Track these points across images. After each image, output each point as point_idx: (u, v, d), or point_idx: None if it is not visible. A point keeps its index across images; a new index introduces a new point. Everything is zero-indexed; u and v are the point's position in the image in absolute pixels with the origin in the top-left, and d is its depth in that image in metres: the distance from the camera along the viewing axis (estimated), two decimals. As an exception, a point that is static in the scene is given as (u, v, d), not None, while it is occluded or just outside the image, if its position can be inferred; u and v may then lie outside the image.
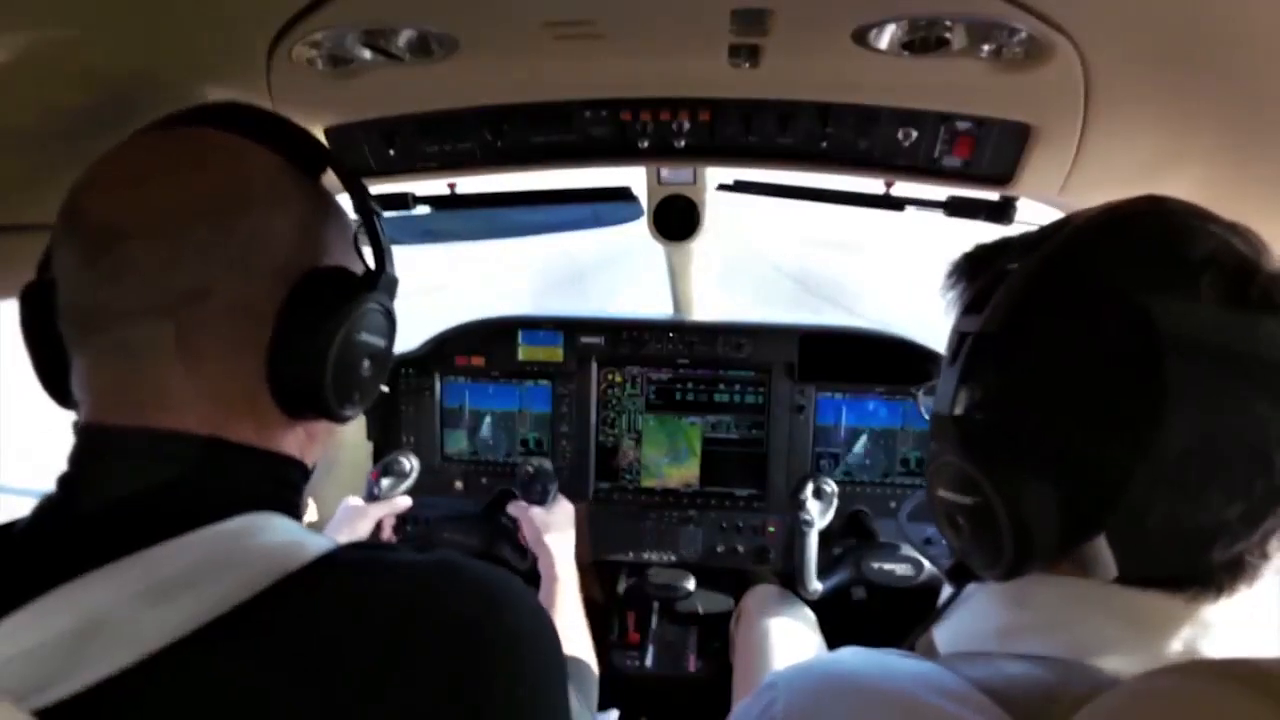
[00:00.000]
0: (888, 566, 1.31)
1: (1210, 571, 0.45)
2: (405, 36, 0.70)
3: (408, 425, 1.64)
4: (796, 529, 1.33)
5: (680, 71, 0.82)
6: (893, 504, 1.52)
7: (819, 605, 1.36)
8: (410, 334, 1.62)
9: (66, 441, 0.49)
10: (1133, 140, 0.77)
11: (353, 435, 1.60)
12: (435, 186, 1.11)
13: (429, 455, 1.63)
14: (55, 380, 0.53)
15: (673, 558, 1.55)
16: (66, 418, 0.52)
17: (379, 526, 1.38)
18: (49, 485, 0.49)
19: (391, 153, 0.96)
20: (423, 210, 1.13)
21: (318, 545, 0.47)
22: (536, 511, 1.29)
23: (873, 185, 1.01)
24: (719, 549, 1.54)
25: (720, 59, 0.73)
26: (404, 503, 1.42)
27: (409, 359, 1.61)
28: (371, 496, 1.37)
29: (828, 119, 0.88)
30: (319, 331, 0.51)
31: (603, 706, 1.14)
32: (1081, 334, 0.45)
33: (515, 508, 1.33)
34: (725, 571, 1.54)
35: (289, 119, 0.56)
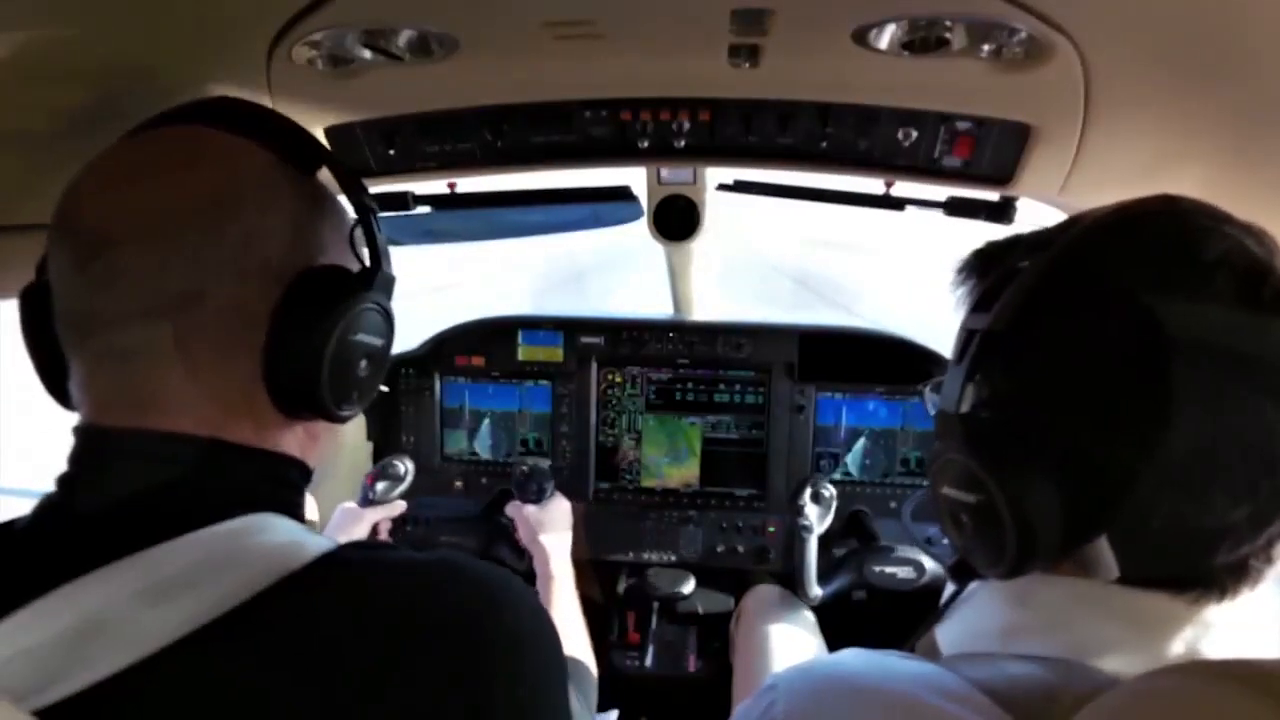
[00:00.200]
0: (889, 570, 1.30)
1: (1214, 574, 0.45)
2: (405, 36, 0.70)
3: (408, 425, 1.64)
4: (796, 534, 1.32)
5: (680, 71, 0.82)
6: (893, 504, 1.52)
7: (820, 606, 1.36)
8: (420, 332, 1.62)
9: (64, 441, 0.49)
10: (1133, 140, 0.77)
11: (352, 436, 1.60)
12: (435, 186, 1.11)
13: (429, 455, 1.63)
14: (56, 381, 0.53)
15: (673, 558, 1.54)
16: (64, 418, 0.52)
17: (374, 531, 1.37)
18: (47, 486, 0.49)
19: (391, 153, 0.96)
20: (423, 210, 1.13)
21: (318, 545, 0.47)
22: (531, 510, 1.29)
23: (873, 185, 1.01)
24: (719, 549, 1.54)
25: (720, 59, 0.73)
26: (399, 506, 1.42)
27: (409, 359, 1.61)
28: (366, 501, 1.37)
29: (828, 119, 0.88)
30: (314, 331, 0.50)
31: (603, 706, 1.14)
32: (1089, 334, 0.44)
33: (511, 508, 1.33)
34: (725, 571, 1.54)
35: (282, 114, 0.56)
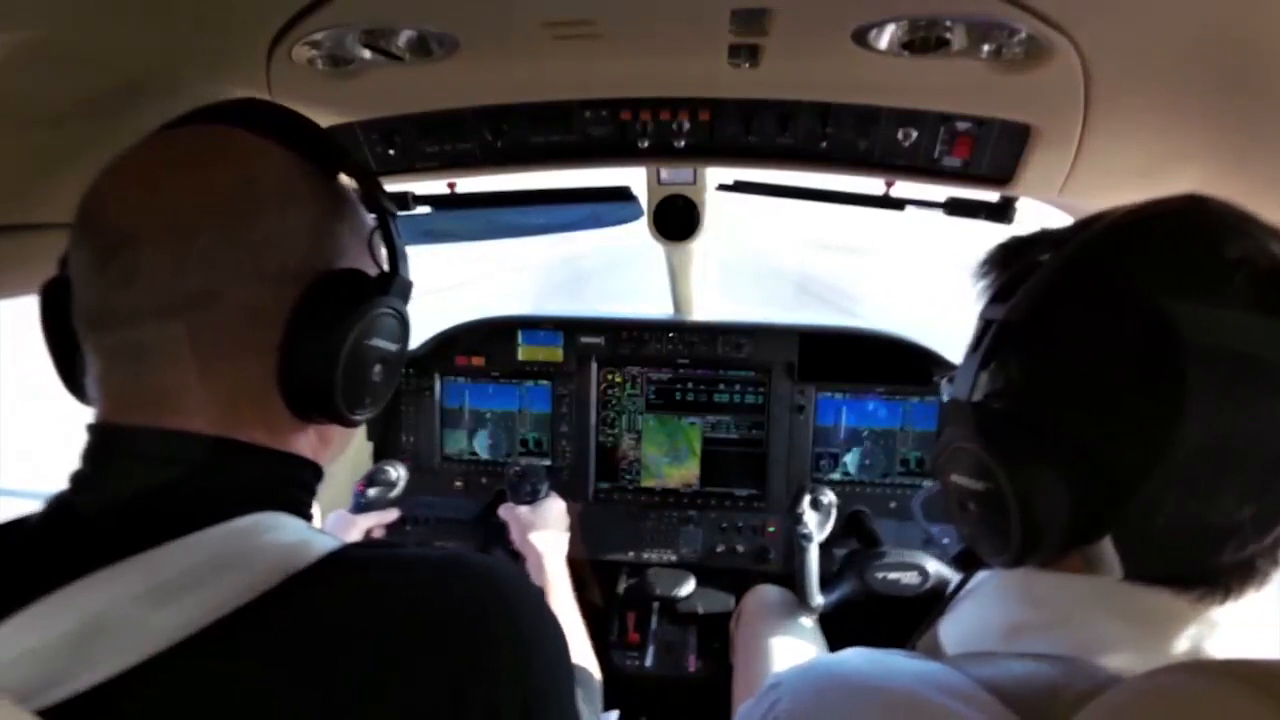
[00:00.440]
0: (893, 575, 1.27)
1: (1219, 573, 0.45)
2: (405, 36, 0.70)
3: (408, 425, 1.64)
4: (795, 542, 1.30)
5: (680, 71, 0.82)
6: (893, 504, 1.52)
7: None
8: (431, 331, 1.62)
9: (60, 442, 0.49)
10: (1133, 140, 0.77)
11: (353, 436, 1.60)
12: (435, 186, 1.11)
13: (429, 456, 1.63)
14: (74, 377, 0.53)
15: (673, 558, 1.54)
16: (58, 419, 0.52)
17: (367, 536, 1.36)
18: (45, 487, 0.49)
19: (391, 153, 0.96)
20: (423, 210, 1.14)
21: (324, 544, 0.47)
22: (522, 511, 1.28)
23: (873, 185, 1.01)
24: (719, 549, 1.54)
25: (720, 59, 0.73)
26: (391, 513, 1.41)
27: (409, 359, 1.61)
28: (358, 507, 1.37)
29: (828, 119, 0.89)
30: (329, 335, 0.50)
31: (603, 706, 1.14)
32: (1102, 330, 0.45)
33: (504, 509, 1.32)
34: (725, 571, 1.54)
35: (305, 117, 0.55)
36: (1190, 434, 0.41)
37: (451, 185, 1.11)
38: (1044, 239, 0.54)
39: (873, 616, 1.29)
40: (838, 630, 1.33)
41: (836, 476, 1.55)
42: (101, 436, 0.48)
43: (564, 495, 1.39)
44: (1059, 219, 0.98)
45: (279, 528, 0.47)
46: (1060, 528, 0.44)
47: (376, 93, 0.83)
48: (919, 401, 1.52)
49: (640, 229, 1.43)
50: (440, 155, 0.98)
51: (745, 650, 1.31)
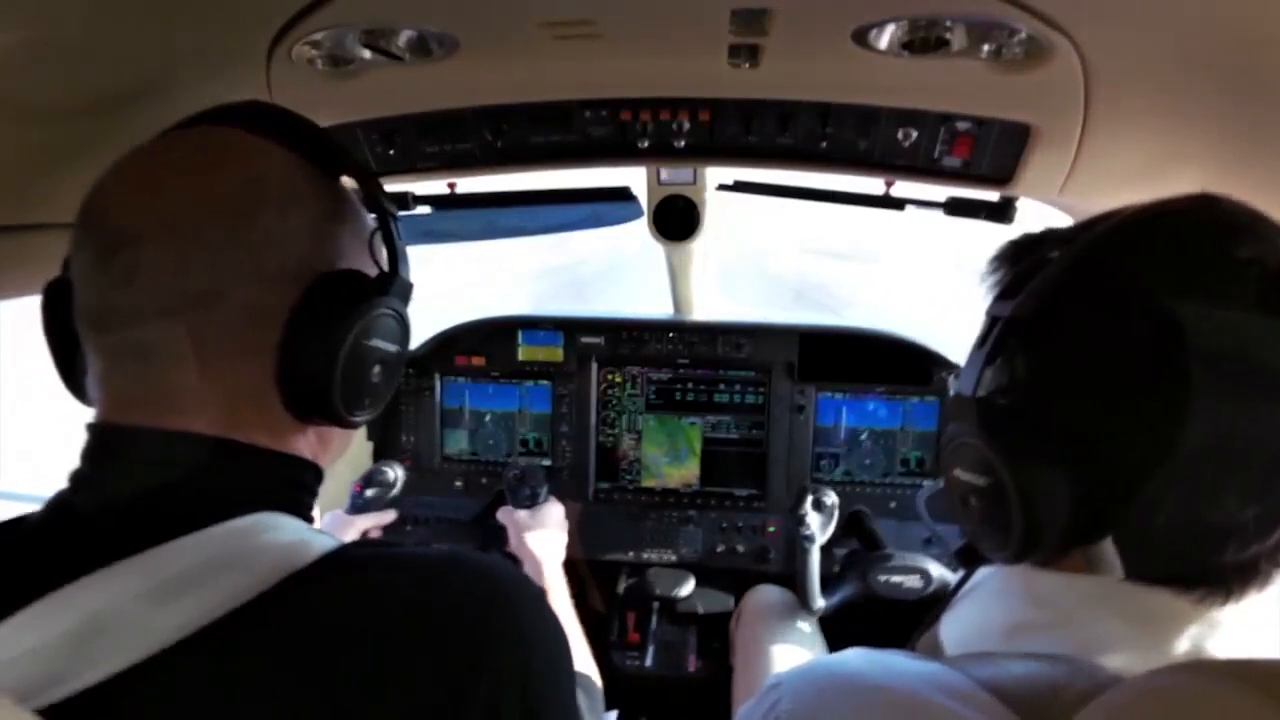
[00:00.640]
0: (895, 579, 1.27)
1: (1220, 573, 0.45)
2: (405, 36, 0.70)
3: (407, 425, 1.64)
4: (797, 543, 1.30)
5: (680, 71, 0.82)
6: (893, 504, 1.52)
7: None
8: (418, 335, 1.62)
9: (58, 443, 0.49)
10: (1133, 140, 0.77)
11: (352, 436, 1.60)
12: (435, 186, 1.11)
13: (429, 456, 1.63)
14: (75, 377, 0.53)
15: (673, 558, 1.54)
16: (57, 420, 0.52)
17: (364, 537, 1.36)
18: (41, 489, 0.49)
19: (391, 153, 0.96)
20: (423, 210, 1.14)
21: (323, 544, 0.47)
22: (520, 515, 1.27)
23: (873, 185, 1.01)
24: (719, 549, 1.54)
25: (720, 59, 0.73)
26: (388, 515, 1.41)
27: (409, 359, 1.61)
28: (355, 508, 1.37)
29: (828, 119, 0.89)
30: (329, 336, 0.50)
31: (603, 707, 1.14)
32: (1108, 328, 0.45)
33: (502, 513, 1.31)
34: (725, 571, 1.54)
35: (307, 119, 0.56)
36: (1194, 434, 0.41)
37: (451, 185, 1.10)
38: (1053, 236, 0.54)
39: (873, 618, 1.29)
40: (838, 631, 1.33)
41: (837, 476, 1.55)
42: (101, 436, 0.48)
43: (564, 495, 1.38)
44: (1059, 219, 0.98)
45: (278, 528, 0.47)
46: (1062, 525, 0.44)
47: (376, 93, 0.83)
48: (919, 401, 1.52)
49: (641, 233, 1.43)
50: (440, 155, 0.98)
51: (745, 650, 1.31)
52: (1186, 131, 0.71)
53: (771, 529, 1.54)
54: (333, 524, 1.33)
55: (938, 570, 1.27)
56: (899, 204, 1.02)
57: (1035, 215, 0.99)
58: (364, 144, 0.94)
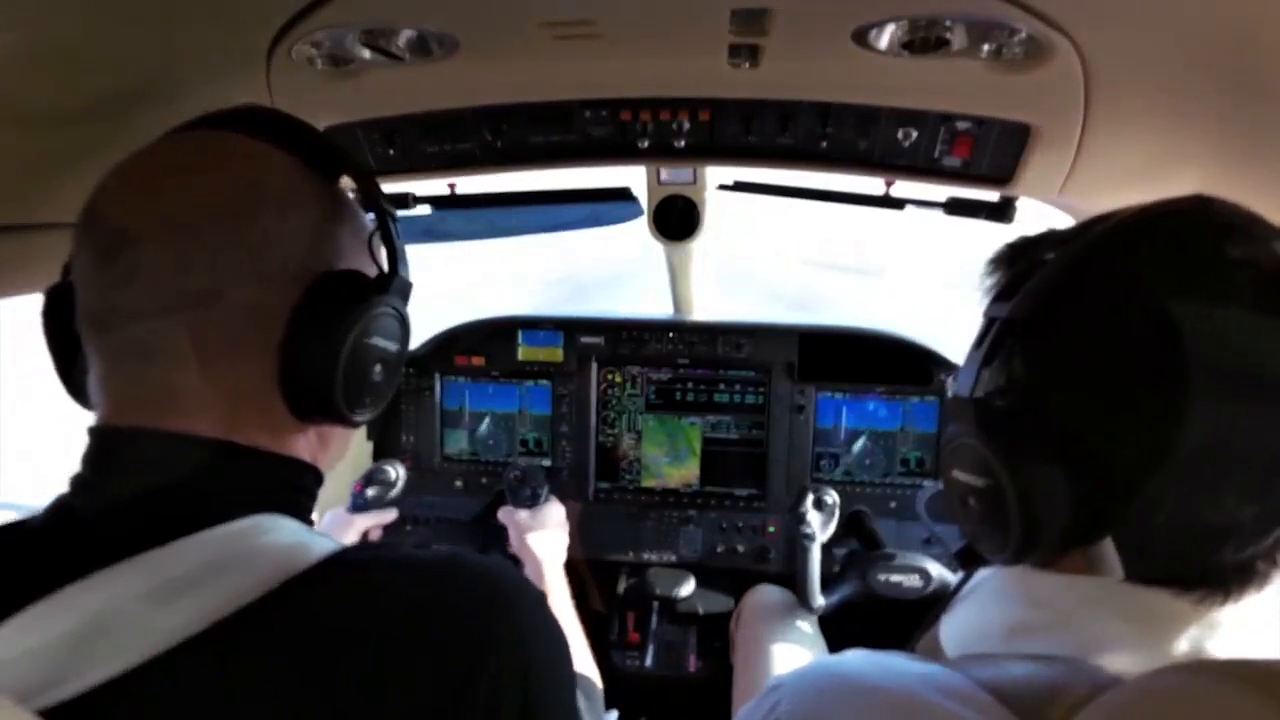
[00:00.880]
0: (895, 579, 1.27)
1: (1219, 573, 0.45)
2: (405, 36, 0.70)
3: (408, 425, 1.64)
4: (797, 542, 1.30)
5: (680, 71, 0.82)
6: (893, 504, 1.52)
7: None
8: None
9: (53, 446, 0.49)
10: (1133, 140, 0.77)
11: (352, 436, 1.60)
12: (435, 186, 1.11)
13: (429, 455, 1.63)
14: (75, 380, 0.53)
15: (673, 558, 1.55)
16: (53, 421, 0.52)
17: (364, 537, 1.36)
18: (37, 496, 0.49)
19: (391, 153, 0.96)
20: (423, 210, 1.13)
21: (323, 546, 0.47)
22: (521, 515, 1.27)
23: (873, 185, 1.01)
24: (719, 549, 1.54)
25: (720, 59, 0.73)
26: (389, 514, 1.41)
27: (409, 358, 1.61)
28: (356, 507, 1.36)
29: (828, 119, 0.89)
30: (330, 335, 0.51)
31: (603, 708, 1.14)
32: (1105, 328, 0.45)
33: (503, 513, 1.31)
34: (725, 571, 1.54)
35: (305, 122, 0.56)
36: (1191, 433, 0.41)
37: (451, 185, 1.10)
38: (1051, 238, 0.54)
39: (873, 618, 1.29)
40: (838, 631, 1.33)
41: (836, 476, 1.55)
42: (102, 439, 0.49)
43: (564, 495, 1.38)
44: (1059, 219, 0.98)
45: (278, 530, 0.47)
46: (1060, 525, 0.44)
47: (376, 93, 0.83)
48: (919, 401, 1.52)
49: (642, 236, 1.43)
50: (440, 155, 0.98)
51: (745, 650, 1.31)
52: (1186, 131, 0.71)
53: (771, 529, 1.54)
54: (333, 522, 1.33)
55: (937, 570, 1.27)
56: (899, 204, 1.02)
57: (1036, 215, 1.00)
58: (364, 144, 0.94)
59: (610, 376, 1.60)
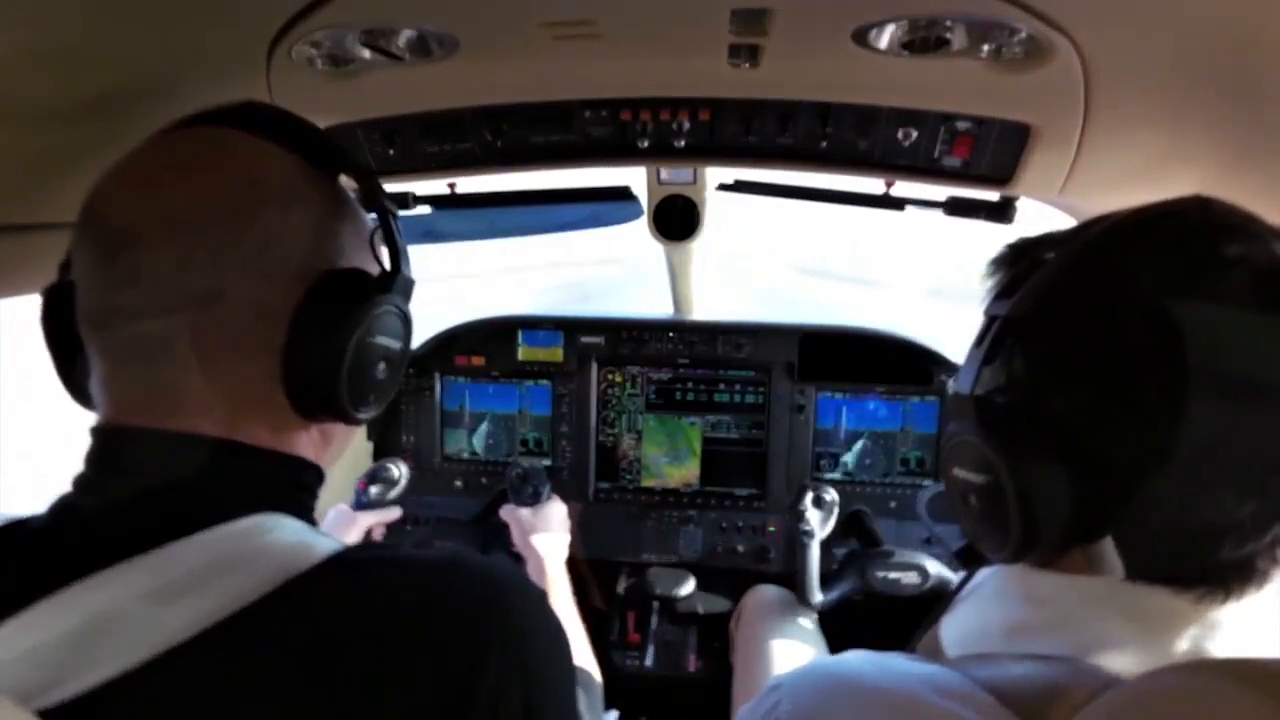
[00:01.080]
0: (893, 575, 1.28)
1: (1218, 571, 0.45)
2: (405, 36, 0.70)
3: (408, 425, 1.64)
4: (797, 539, 1.31)
5: (680, 71, 0.82)
6: (893, 504, 1.52)
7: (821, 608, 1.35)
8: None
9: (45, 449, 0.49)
10: (1133, 140, 0.77)
11: (353, 436, 1.60)
12: (435, 186, 1.11)
13: (429, 455, 1.63)
14: (76, 381, 0.53)
15: (673, 558, 1.55)
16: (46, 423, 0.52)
17: (368, 535, 1.36)
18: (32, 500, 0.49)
19: (392, 153, 0.96)
20: (423, 210, 1.13)
21: (326, 546, 0.47)
22: (524, 513, 1.27)
23: (873, 185, 1.01)
24: (719, 549, 1.54)
25: (720, 59, 0.73)
26: (393, 512, 1.41)
27: (409, 358, 1.60)
28: (359, 504, 1.37)
29: (828, 119, 0.89)
30: (334, 333, 0.51)
31: (603, 708, 1.14)
32: (1103, 327, 0.45)
33: (505, 511, 1.32)
34: (725, 571, 1.54)
35: (305, 119, 0.56)
36: (1190, 431, 0.41)
37: (452, 185, 1.10)
38: (1051, 239, 0.55)
39: (872, 616, 1.29)
40: (837, 630, 1.34)
41: (836, 476, 1.55)
42: (105, 438, 0.48)
43: (564, 495, 1.39)
44: (1059, 219, 0.98)
45: (280, 529, 0.47)
46: (1060, 523, 0.45)
47: (376, 93, 0.83)
48: (919, 401, 1.52)
49: (645, 240, 1.43)
50: (440, 155, 0.98)
51: (745, 650, 1.31)
52: (1186, 132, 0.71)
53: (771, 529, 1.54)
54: (337, 520, 1.33)
55: (935, 567, 1.28)
56: (899, 204, 1.02)
57: (1036, 215, 0.99)
58: (364, 144, 0.94)
59: (610, 376, 1.60)
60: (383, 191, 0.58)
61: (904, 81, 0.78)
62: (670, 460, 1.60)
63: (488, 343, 1.62)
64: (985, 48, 0.67)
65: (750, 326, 1.57)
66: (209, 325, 0.48)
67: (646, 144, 0.95)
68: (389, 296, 0.54)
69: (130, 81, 0.65)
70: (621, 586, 1.57)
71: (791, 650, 1.25)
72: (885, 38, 0.67)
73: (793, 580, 1.33)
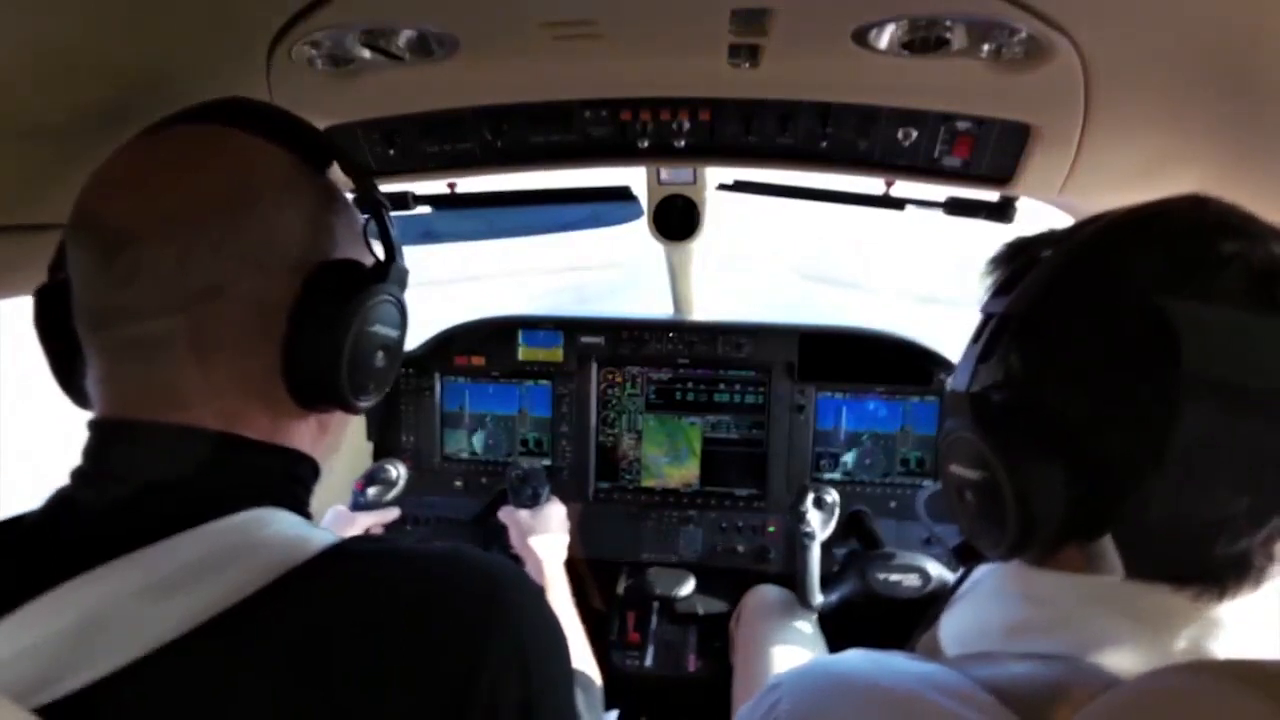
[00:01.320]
0: (894, 578, 1.27)
1: (1214, 568, 0.45)
2: (405, 36, 0.70)
3: (407, 425, 1.64)
4: (797, 540, 1.30)
5: (680, 71, 0.82)
6: (893, 504, 1.52)
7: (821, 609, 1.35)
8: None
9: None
10: (1133, 140, 0.77)
11: (352, 436, 1.60)
12: (435, 186, 1.11)
13: (429, 455, 1.63)
14: (71, 379, 0.53)
15: (673, 558, 1.54)
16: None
17: (366, 535, 1.37)
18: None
19: (391, 153, 0.96)
20: (423, 210, 1.13)
21: (322, 539, 0.47)
22: (522, 515, 1.27)
23: (873, 185, 1.01)
24: (719, 549, 1.54)
25: (720, 59, 0.73)
26: (391, 512, 1.41)
27: (409, 358, 1.61)
28: (357, 505, 1.37)
29: (828, 119, 0.89)
30: (334, 323, 0.51)
31: (603, 708, 1.13)
32: (1099, 324, 0.45)
33: (504, 512, 1.31)
34: (725, 571, 1.54)
35: (293, 114, 0.56)
36: (1184, 427, 0.41)
37: (451, 185, 1.10)
38: (1048, 237, 0.55)
39: (872, 617, 1.29)
40: (837, 630, 1.34)
41: (837, 476, 1.55)
42: (103, 432, 0.49)
43: (564, 495, 1.38)
44: (1060, 219, 0.98)
45: (277, 523, 0.47)
46: (1055, 519, 0.45)
47: (376, 93, 0.83)
48: (919, 401, 1.52)
49: (647, 244, 1.43)
50: (440, 155, 0.98)
51: (745, 650, 1.31)
52: (1186, 131, 0.71)
53: (771, 529, 1.54)
54: (335, 521, 1.33)
55: (936, 569, 1.27)
56: (899, 204, 1.02)
57: (1036, 215, 0.99)
58: (364, 144, 0.94)
59: (610, 376, 1.60)
60: (372, 183, 0.58)
61: (904, 81, 0.78)
62: (670, 460, 1.60)
63: (488, 343, 1.62)
64: (985, 48, 0.67)
65: (750, 326, 1.57)
66: (208, 321, 0.48)
67: (646, 144, 0.95)
68: (385, 286, 0.55)
69: (130, 82, 0.65)
70: (621, 586, 1.57)
71: (791, 650, 1.25)
72: (885, 38, 0.67)
73: (793, 580, 1.33)
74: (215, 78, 0.72)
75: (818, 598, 1.27)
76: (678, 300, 1.66)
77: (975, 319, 0.54)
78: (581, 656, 1.00)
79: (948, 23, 0.65)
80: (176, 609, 0.41)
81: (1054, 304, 0.47)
